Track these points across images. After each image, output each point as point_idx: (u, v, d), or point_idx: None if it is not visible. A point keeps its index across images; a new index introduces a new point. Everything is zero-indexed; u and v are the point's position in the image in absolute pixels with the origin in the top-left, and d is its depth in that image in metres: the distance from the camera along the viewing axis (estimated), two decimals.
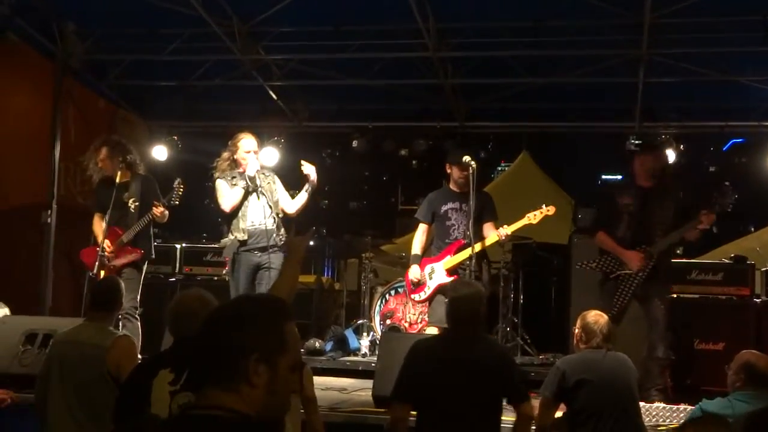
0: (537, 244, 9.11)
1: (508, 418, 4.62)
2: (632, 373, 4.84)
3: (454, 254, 6.89)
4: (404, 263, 8.25)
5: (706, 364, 7.11)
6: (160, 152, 9.84)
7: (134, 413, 3.57)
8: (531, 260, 9.27)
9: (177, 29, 8.54)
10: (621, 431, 4.61)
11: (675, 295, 6.89)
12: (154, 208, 6.90)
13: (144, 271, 7.19)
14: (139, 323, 6.94)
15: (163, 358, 3.75)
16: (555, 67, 9.01)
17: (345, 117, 10.58)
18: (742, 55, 8.28)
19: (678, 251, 6.76)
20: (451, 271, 6.91)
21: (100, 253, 6.86)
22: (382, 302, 8.95)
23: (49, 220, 8.28)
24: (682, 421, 5.05)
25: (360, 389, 6.77)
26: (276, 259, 6.65)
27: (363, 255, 9.22)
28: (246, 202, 6.83)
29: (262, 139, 7.27)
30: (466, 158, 6.66)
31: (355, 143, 10.33)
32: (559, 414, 4.88)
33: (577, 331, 4.93)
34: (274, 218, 6.87)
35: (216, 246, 9.13)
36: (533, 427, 4.68)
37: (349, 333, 8.79)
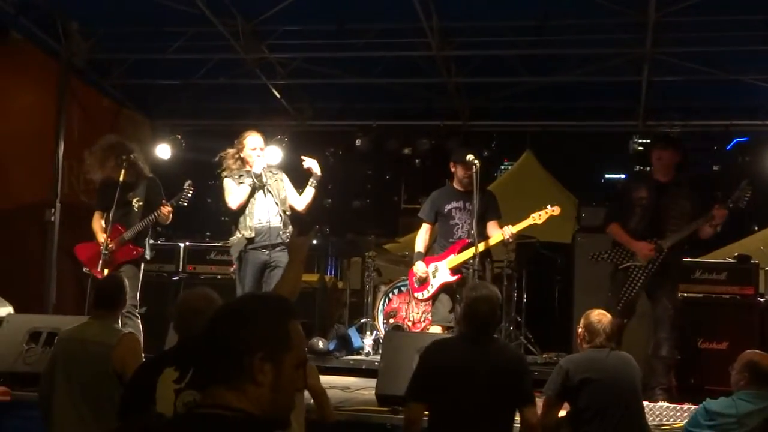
0: (540, 243, 9.11)
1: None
2: (636, 372, 4.83)
3: (457, 253, 6.89)
4: (407, 262, 8.25)
5: (709, 364, 7.10)
6: (163, 151, 9.85)
7: (139, 411, 3.58)
8: (534, 259, 9.27)
9: (181, 28, 8.54)
10: (624, 430, 4.61)
11: (679, 295, 6.86)
12: (162, 207, 6.92)
13: (142, 270, 7.20)
14: (139, 321, 6.95)
15: (168, 356, 3.76)
16: (559, 65, 8.99)
17: (348, 116, 10.57)
18: (747, 54, 8.26)
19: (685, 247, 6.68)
20: (454, 270, 6.91)
21: (103, 251, 6.86)
22: (385, 301, 8.95)
23: (52, 219, 8.29)
24: (685, 420, 5.04)
25: (363, 388, 6.77)
26: (283, 258, 6.65)
27: (366, 254, 9.22)
28: (253, 200, 6.84)
29: (266, 138, 7.27)
30: (470, 157, 6.66)
31: (358, 142, 10.33)
32: (562, 413, 4.88)
33: (580, 330, 4.93)
34: (281, 216, 6.88)
35: (219, 244, 9.17)
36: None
37: (352, 332, 8.79)
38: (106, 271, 6.79)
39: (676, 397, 6.24)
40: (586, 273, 8.18)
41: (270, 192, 6.88)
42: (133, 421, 3.51)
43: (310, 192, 7.08)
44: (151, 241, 7.40)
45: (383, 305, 8.93)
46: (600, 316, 4.86)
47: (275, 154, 9.12)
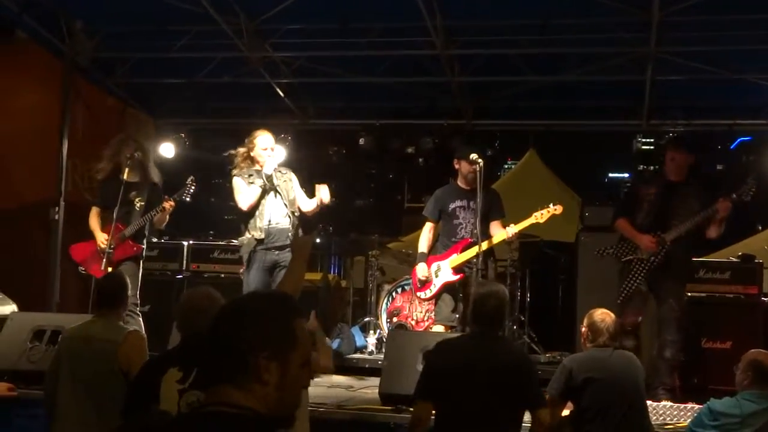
0: (544, 242, 9.11)
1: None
2: (639, 372, 4.83)
3: (460, 252, 6.88)
4: (411, 261, 8.26)
5: (713, 363, 7.08)
6: (167, 149, 9.86)
7: (142, 412, 3.58)
8: (538, 258, 9.28)
9: (184, 26, 8.54)
10: (628, 429, 4.61)
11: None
12: (164, 203, 6.92)
13: (142, 268, 7.21)
14: (140, 319, 6.96)
15: (172, 356, 3.76)
16: (562, 65, 8.98)
17: (352, 114, 10.58)
18: (750, 53, 8.25)
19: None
20: (457, 270, 6.90)
21: (107, 249, 6.86)
22: (388, 300, 8.95)
23: (56, 217, 8.31)
24: (689, 420, 5.03)
25: (366, 387, 6.78)
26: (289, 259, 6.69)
27: (369, 253, 9.23)
28: (263, 201, 6.82)
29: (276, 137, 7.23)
30: (474, 156, 6.65)
31: (361, 141, 10.33)
32: (566, 412, 4.88)
33: (583, 329, 4.93)
34: (290, 217, 6.87)
35: (223, 243, 9.17)
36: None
37: (355, 331, 8.81)
38: (110, 269, 6.80)
39: (679, 397, 6.24)
40: (590, 272, 8.18)
41: (279, 193, 6.86)
42: (138, 418, 3.52)
43: (313, 204, 7.02)
44: (154, 240, 7.40)
45: (386, 304, 8.93)
46: (603, 316, 4.85)
47: (279, 153, 9.13)
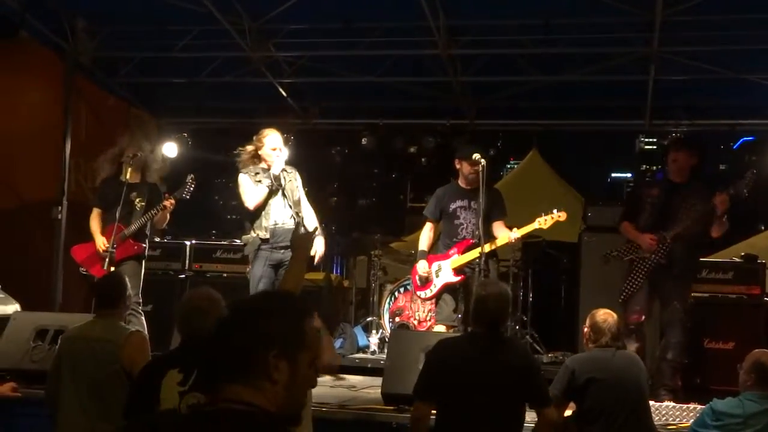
0: (546, 242, 9.09)
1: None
2: (642, 372, 4.83)
3: (461, 253, 6.85)
4: (413, 261, 8.25)
5: (716, 364, 7.08)
6: (170, 149, 9.86)
7: (144, 414, 3.58)
8: (540, 258, 9.26)
9: (187, 26, 8.55)
10: (630, 430, 4.61)
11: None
12: (165, 201, 6.92)
13: (144, 267, 7.22)
14: (143, 318, 6.97)
15: (172, 357, 3.76)
16: (565, 64, 8.98)
17: (354, 114, 10.58)
18: (753, 53, 8.24)
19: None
20: (458, 271, 6.88)
21: (110, 249, 6.87)
22: (391, 300, 8.95)
23: (59, 216, 8.31)
24: (691, 420, 5.03)
25: (369, 387, 6.77)
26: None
27: (372, 252, 9.23)
28: (269, 201, 6.81)
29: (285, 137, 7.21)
30: (476, 155, 6.62)
31: (364, 141, 10.33)
32: (568, 412, 4.88)
33: (586, 329, 4.93)
34: (295, 218, 6.86)
35: (225, 243, 9.18)
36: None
37: (358, 330, 8.81)
38: (112, 269, 6.81)
39: (682, 398, 6.23)
40: (593, 272, 8.18)
41: (285, 194, 6.86)
42: (146, 417, 3.51)
43: (312, 225, 6.91)
44: (156, 239, 7.40)
45: (389, 304, 8.93)
46: (605, 316, 4.85)
47: (285, 153, 9.14)
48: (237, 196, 7.01)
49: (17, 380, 5.79)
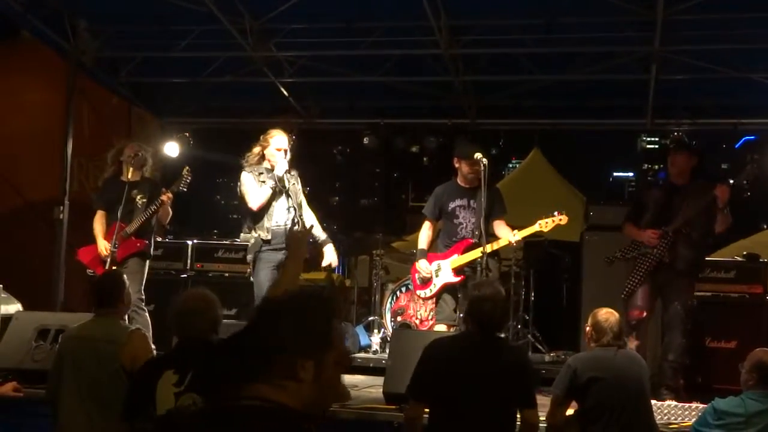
0: (548, 241, 9.10)
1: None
2: (644, 371, 4.83)
3: (461, 253, 6.81)
4: (414, 260, 8.26)
5: (718, 363, 7.08)
6: (172, 149, 9.87)
7: (140, 415, 3.58)
8: (542, 258, 9.26)
9: (189, 26, 8.55)
10: (632, 429, 4.61)
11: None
12: (162, 196, 6.93)
13: (147, 266, 7.21)
14: (147, 315, 6.97)
15: (167, 358, 3.75)
16: (567, 64, 8.97)
17: (356, 114, 10.57)
18: (755, 52, 8.23)
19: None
20: (457, 271, 6.84)
21: (111, 249, 6.87)
22: (392, 299, 8.95)
23: (61, 216, 8.32)
24: (693, 419, 5.03)
25: (371, 386, 6.77)
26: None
27: (374, 252, 9.23)
28: (273, 202, 6.81)
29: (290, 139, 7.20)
30: (478, 155, 6.58)
31: (366, 140, 10.32)
32: (570, 411, 4.88)
33: (588, 329, 4.93)
34: (298, 219, 6.86)
35: (227, 242, 9.18)
36: (543, 425, 4.68)
37: (359, 330, 8.81)
38: (113, 268, 6.81)
39: (684, 397, 6.23)
40: (595, 271, 8.19)
41: (289, 195, 6.85)
42: (168, 414, 3.50)
43: (319, 232, 7.03)
44: (158, 239, 7.40)
45: (391, 303, 8.93)
46: (607, 315, 4.85)
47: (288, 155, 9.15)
48: (238, 195, 7.00)
49: (19, 380, 5.80)
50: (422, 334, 7.20)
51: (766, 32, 7.79)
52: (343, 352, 2.14)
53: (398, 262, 9.64)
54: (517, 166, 15.36)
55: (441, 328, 6.93)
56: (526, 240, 8.47)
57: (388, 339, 8.03)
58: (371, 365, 7.73)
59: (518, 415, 4.43)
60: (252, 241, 6.82)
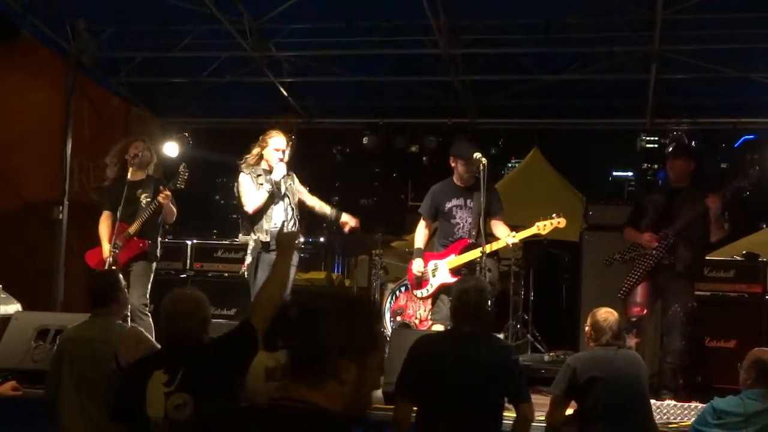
0: (548, 241, 9.10)
1: (510, 414, 4.60)
2: (643, 371, 4.83)
3: (459, 254, 6.78)
4: None
5: (717, 362, 7.07)
6: (171, 149, 9.87)
7: (130, 415, 3.58)
8: (542, 257, 9.26)
9: (188, 26, 8.57)
10: (631, 428, 4.61)
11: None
12: (159, 195, 6.88)
13: (154, 269, 7.18)
14: (150, 319, 6.94)
15: (156, 358, 3.76)
16: (566, 63, 8.98)
17: (356, 114, 10.58)
18: (755, 51, 8.25)
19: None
20: (454, 272, 6.79)
21: (111, 249, 6.85)
22: (392, 299, 8.95)
23: (60, 217, 8.31)
24: (692, 419, 5.03)
25: None
26: (293, 258, 6.74)
27: (373, 252, 9.23)
28: (272, 205, 6.80)
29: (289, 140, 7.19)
30: (477, 154, 6.55)
31: (365, 140, 10.32)
32: (569, 411, 4.88)
33: (587, 328, 4.93)
34: (296, 220, 6.86)
35: (227, 242, 9.17)
36: (542, 425, 4.68)
37: None
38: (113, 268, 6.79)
39: (683, 396, 6.23)
40: (594, 271, 8.18)
41: (287, 196, 6.85)
42: (203, 412, 3.51)
43: (322, 208, 7.13)
44: (167, 239, 7.36)
45: (390, 303, 8.92)
46: (606, 315, 4.85)
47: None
48: (236, 196, 7.00)
49: (19, 380, 5.79)
50: (421, 334, 7.19)
51: (766, 32, 7.81)
52: (383, 357, 2.15)
53: (397, 261, 9.63)
54: (517, 165, 15.35)
55: (438, 327, 6.92)
56: (526, 240, 8.49)
57: (388, 339, 8.01)
58: None
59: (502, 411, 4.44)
60: (252, 244, 6.81)
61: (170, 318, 3.85)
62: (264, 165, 6.86)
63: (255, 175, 6.83)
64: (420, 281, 7.00)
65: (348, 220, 7.24)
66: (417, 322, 8.70)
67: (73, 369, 4.52)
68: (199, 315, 3.87)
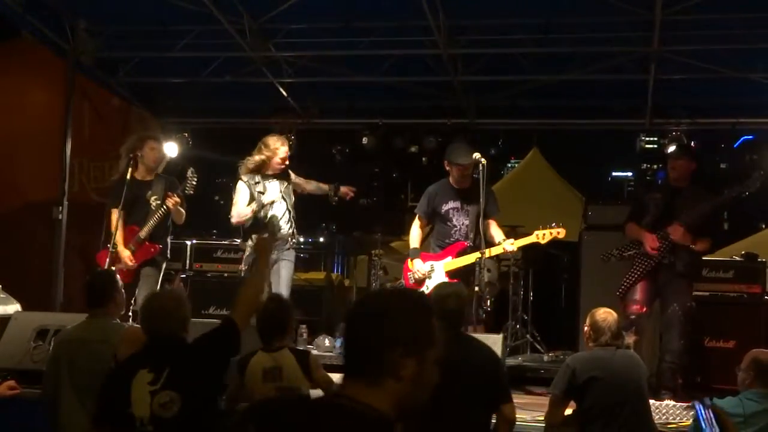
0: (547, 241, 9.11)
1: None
2: (642, 371, 4.83)
3: (455, 256, 6.76)
4: None
5: (716, 363, 7.08)
6: (171, 149, 9.85)
7: (115, 415, 3.58)
8: (541, 257, 9.26)
9: (187, 26, 8.57)
10: (631, 429, 4.61)
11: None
12: (167, 199, 6.86)
13: (163, 270, 7.15)
14: None
15: (140, 358, 3.75)
16: (565, 64, 8.99)
17: (355, 114, 10.58)
18: (754, 52, 8.25)
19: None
20: (451, 274, 6.76)
21: (111, 249, 6.81)
22: None
23: (60, 217, 8.32)
24: (691, 419, 5.03)
25: None
26: (288, 255, 6.85)
27: (373, 252, 9.23)
28: (270, 208, 6.81)
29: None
30: (477, 155, 6.56)
31: (365, 140, 10.32)
32: (569, 411, 4.88)
33: (586, 328, 4.93)
34: (293, 222, 6.88)
35: (226, 242, 9.18)
36: (542, 425, 4.68)
37: None
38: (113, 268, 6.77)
39: (683, 397, 6.23)
40: (593, 271, 8.18)
41: (285, 199, 6.86)
42: (253, 405, 3.50)
43: (316, 189, 7.22)
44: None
45: None
46: (605, 315, 4.85)
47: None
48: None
49: (18, 380, 5.79)
50: None
51: (765, 32, 7.81)
52: (440, 352, 2.15)
53: (397, 261, 9.63)
54: (516, 165, 15.36)
55: None
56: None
57: None
58: None
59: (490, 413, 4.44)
60: (248, 251, 6.82)
61: (150, 317, 3.85)
62: (267, 170, 6.87)
63: (253, 182, 6.83)
64: (417, 282, 6.96)
65: (347, 191, 7.38)
66: None
67: (72, 370, 4.52)
68: (179, 314, 3.87)
